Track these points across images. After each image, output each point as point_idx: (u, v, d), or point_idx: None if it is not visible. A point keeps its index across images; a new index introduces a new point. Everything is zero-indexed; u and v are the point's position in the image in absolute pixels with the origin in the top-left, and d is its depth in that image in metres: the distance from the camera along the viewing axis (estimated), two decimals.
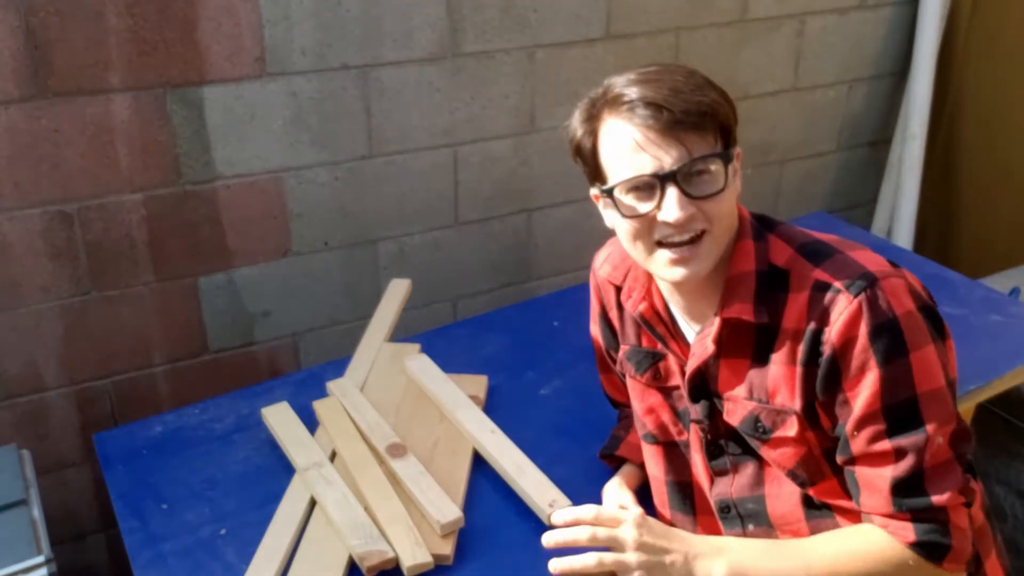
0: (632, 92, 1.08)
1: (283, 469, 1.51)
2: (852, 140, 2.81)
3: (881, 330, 1.03)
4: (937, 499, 1.05)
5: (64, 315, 1.86)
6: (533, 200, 2.31)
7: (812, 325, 1.08)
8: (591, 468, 1.47)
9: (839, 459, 1.11)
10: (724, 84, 1.13)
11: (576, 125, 1.15)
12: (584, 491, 1.37)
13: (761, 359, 1.13)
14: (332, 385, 1.68)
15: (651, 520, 1.13)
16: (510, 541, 1.36)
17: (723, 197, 1.09)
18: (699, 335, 1.18)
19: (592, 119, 1.12)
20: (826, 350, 1.06)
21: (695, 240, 1.09)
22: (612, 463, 1.46)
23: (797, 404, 1.11)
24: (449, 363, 1.73)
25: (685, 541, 1.11)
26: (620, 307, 1.32)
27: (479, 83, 2.12)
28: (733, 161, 1.11)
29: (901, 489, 1.06)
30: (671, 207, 1.06)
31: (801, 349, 1.09)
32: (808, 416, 1.11)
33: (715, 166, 1.08)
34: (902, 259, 1.66)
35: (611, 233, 1.21)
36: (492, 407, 1.66)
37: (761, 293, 1.12)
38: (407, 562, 1.28)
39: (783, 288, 1.12)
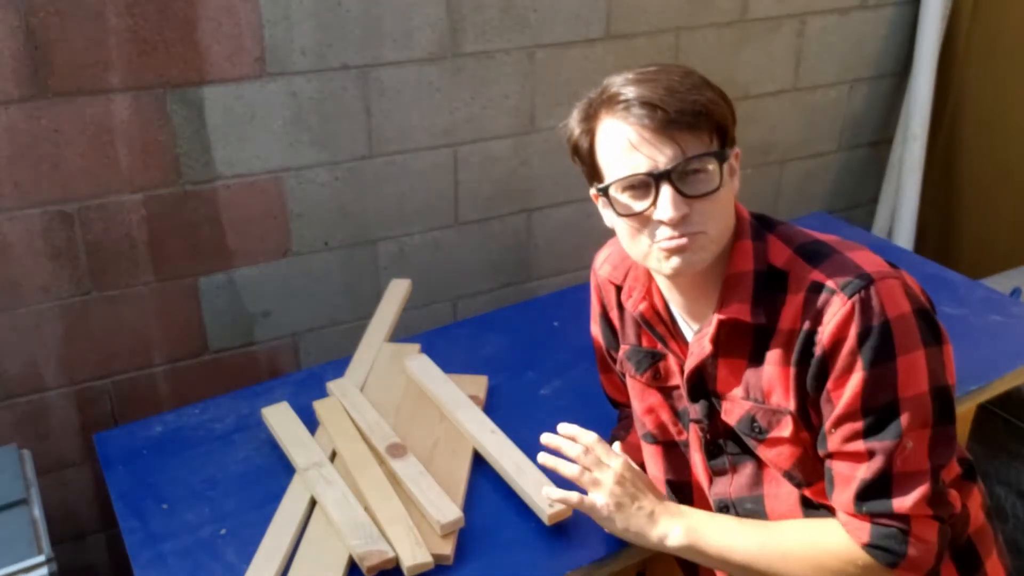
0: (628, 91, 1.08)
1: (283, 469, 1.51)
2: (853, 140, 2.81)
3: (871, 332, 1.03)
4: (899, 505, 1.04)
5: (64, 315, 1.86)
6: (533, 200, 2.31)
7: (806, 325, 1.08)
8: None
9: (820, 452, 1.12)
10: (724, 84, 1.13)
11: (574, 125, 1.15)
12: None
13: (757, 359, 1.13)
14: (332, 385, 1.68)
15: (641, 472, 1.26)
16: (510, 541, 1.36)
17: (718, 196, 1.09)
18: (697, 335, 1.18)
19: (589, 119, 1.13)
20: (817, 350, 1.06)
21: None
22: None
23: (791, 404, 1.11)
24: (449, 363, 1.73)
25: (660, 500, 1.23)
26: (620, 307, 1.32)
27: (479, 83, 2.12)
28: (729, 160, 1.11)
29: (866, 490, 1.06)
30: (665, 206, 1.06)
31: (795, 349, 1.09)
32: (802, 416, 1.12)
33: (710, 165, 1.08)
34: (902, 259, 1.67)
35: (611, 233, 1.21)
36: (492, 407, 1.66)
37: (759, 294, 1.12)
38: (407, 562, 1.28)
39: (781, 289, 1.11)
